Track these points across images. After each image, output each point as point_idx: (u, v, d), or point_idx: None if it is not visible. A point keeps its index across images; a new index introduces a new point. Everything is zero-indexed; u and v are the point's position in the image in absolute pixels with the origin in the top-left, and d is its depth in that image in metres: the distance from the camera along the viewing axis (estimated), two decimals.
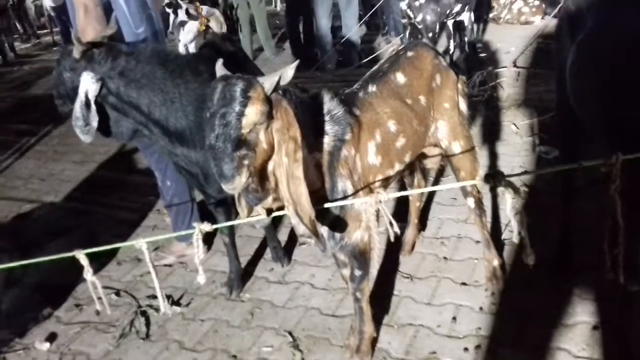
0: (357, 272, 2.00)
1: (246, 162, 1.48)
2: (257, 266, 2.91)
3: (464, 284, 2.52)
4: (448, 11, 4.90)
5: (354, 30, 6.36)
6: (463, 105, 2.30)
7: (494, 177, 1.81)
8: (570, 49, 2.10)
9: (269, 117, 1.51)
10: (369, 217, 1.76)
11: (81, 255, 1.63)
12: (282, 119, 1.54)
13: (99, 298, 1.76)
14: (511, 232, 2.75)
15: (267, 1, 8.11)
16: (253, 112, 1.46)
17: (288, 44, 7.23)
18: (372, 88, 2.02)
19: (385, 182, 2.03)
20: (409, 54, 2.19)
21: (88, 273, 1.66)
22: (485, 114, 4.29)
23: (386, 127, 1.98)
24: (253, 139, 1.49)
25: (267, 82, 1.51)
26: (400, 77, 2.09)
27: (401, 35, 6.10)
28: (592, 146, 2.19)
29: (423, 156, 2.39)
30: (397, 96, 2.05)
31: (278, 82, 1.53)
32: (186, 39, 6.90)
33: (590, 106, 2.01)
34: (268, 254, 2.95)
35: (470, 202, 2.39)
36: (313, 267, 2.80)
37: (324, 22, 6.29)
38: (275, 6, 11.18)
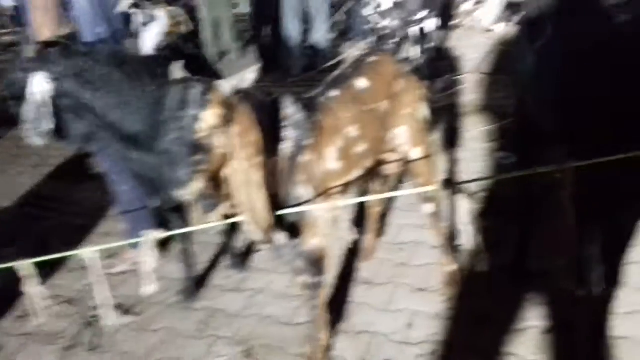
0: (314, 279, 1.99)
1: (202, 167, 1.46)
2: (213, 273, 2.86)
3: (420, 289, 2.54)
4: (413, 17, 4.95)
5: (322, 34, 6.36)
6: (424, 112, 2.32)
7: (451, 184, 1.84)
8: (530, 56, 2.15)
9: (228, 121, 1.50)
10: (326, 223, 1.76)
11: (23, 266, 1.57)
12: (241, 123, 1.53)
13: (43, 309, 1.70)
14: (468, 237, 2.79)
15: (233, 4, 8.03)
16: (210, 116, 1.45)
17: (254, 47, 7.18)
18: (333, 93, 2.02)
19: (345, 188, 2.03)
20: (371, 59, 2.20)
21: (30, 284, 1.60)
22: (446, 119, 4.34)
23: (347, 133, 1.98)
24: (210, 144, 1.47)
25: (226, 86, 1.50)
26: (362, 83, 2.10)
27: (367, 41, 6.13)
28: (549, 153, 2.23)
29: (383, 161, 2.40)
30: (359, 101, 2.06)
31: (238, 86, 1.52)
32: (152, 41, 6.76)
33: (547, 113, 2.05)
34: (225, 260, 2.90)
35: (428, 208, 2.41)
36: (270, 274, 2.76)
37: (292, 26, 6.26)
38: (242, 9, 11.09)
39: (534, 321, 2.27)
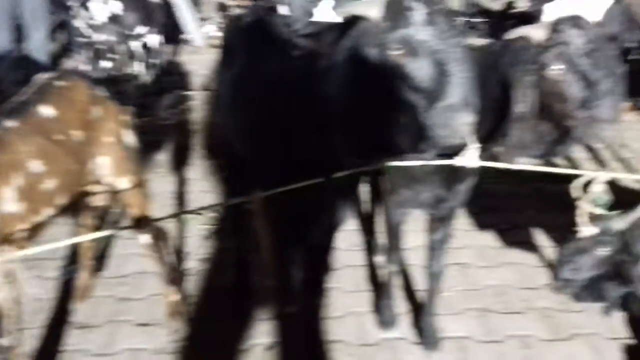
0: (1, 341, 1.71)
1: None
2: None
3: (144, 324, 2.40)
4: (132, 32, 4.74)
5: (39, 44, 5.67)
6: (129, 138, 2.18)
7: (146, 224, 1.77)
8: (225, 82, 2.17)
9: None
10: (4, 276, 1.51)
11: None
12: None
13: None
14: (194, 261, 2.75)
15: None
16: None
17: None
18: (9, 123, 1.77)
19: (34, 231, 1.79)
20: (59, 83, 2.00)
21: None
22: (174, 137, 4.26)
23: (29, 168, 1.75)
24: None
25: None
26: (47, 110, 1.88)
27: (85, 56, 5.67)
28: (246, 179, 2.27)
29: (87, 194, 2.20)
30: (44, 132, 1.84)
31: None
32: None
33: (238, 140, 2.10)
34: None
35: (145, 238, 2.28)
36: None
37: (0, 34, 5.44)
38: None
39: (258, 339, 2.34)
